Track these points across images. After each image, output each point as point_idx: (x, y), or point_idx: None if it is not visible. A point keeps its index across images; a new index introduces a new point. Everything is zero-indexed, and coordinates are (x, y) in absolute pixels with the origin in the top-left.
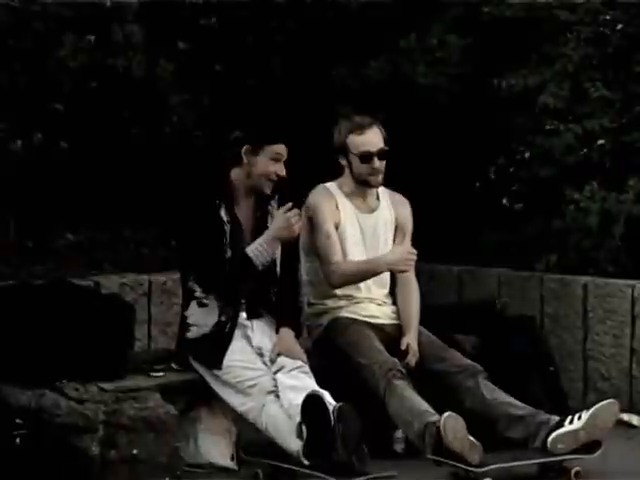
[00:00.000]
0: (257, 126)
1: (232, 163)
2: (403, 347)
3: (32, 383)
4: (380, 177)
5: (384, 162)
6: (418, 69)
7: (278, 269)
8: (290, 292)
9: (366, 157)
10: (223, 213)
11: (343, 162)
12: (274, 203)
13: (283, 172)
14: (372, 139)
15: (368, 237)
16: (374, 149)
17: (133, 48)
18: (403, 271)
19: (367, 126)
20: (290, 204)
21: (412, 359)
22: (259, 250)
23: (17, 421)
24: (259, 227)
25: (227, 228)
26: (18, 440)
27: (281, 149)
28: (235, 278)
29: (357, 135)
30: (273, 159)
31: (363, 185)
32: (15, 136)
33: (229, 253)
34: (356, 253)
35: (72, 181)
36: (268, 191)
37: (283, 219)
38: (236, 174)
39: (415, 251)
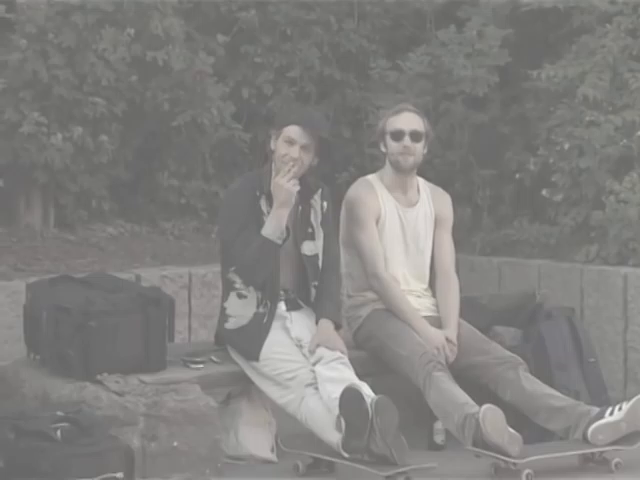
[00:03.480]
0: (279, 113)
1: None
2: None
3: (74, 375)
4: (411, 159)
5: (418, 145)
6: (457, 61)
7: (320, 262)
8: (331, 284)
9: (397, 134)
10: (263, 205)
11: (383, 149)
12: (317, 197)
13: (292, 154)
14: (406, 119)
15: (409, 231)
16: (406, 128)
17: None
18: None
19: (406, 110)
20: (273, 173)
21: (450, 355)
22: (270, 226)
23: (58, 413)
24: (302, 220)
25: (266, 219)
26: (59, 433)
27: (292, 131)
28: (258, 259)
29: (394, 116)
30: (287, 142)
31: (396, 168)
32: (55, 129)
33: None
34: (396, 247)
35: (113, 174)
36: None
37: (274, 186)
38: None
39: (455, 350)
